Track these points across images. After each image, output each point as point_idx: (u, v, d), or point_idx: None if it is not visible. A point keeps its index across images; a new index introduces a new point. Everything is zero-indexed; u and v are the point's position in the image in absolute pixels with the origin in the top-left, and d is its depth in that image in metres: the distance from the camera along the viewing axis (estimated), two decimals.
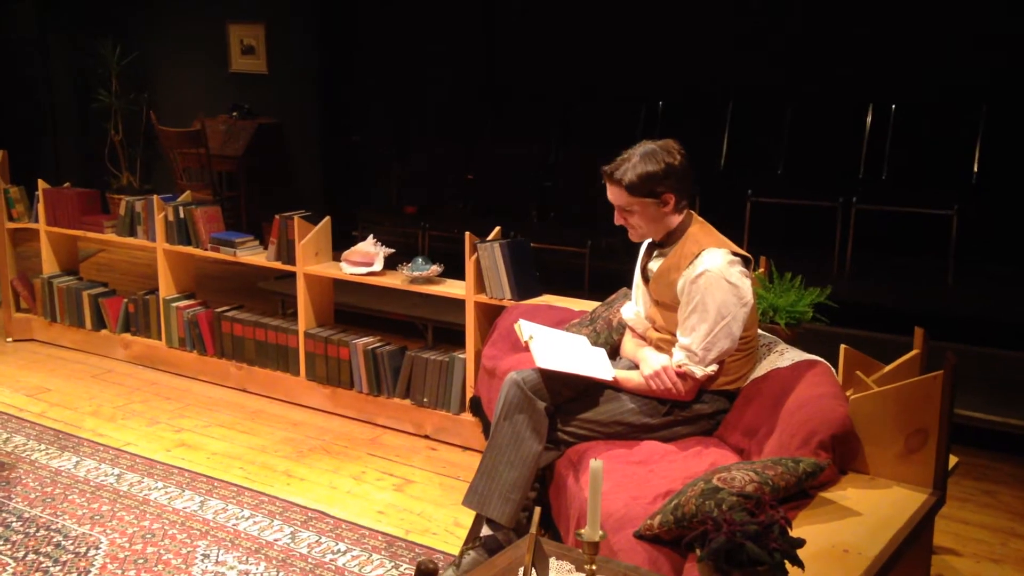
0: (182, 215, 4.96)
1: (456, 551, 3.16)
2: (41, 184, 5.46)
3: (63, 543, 3.30)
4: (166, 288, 5.09)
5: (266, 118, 8.17)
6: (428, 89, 7.78)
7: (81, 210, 5.38)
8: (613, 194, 2.96)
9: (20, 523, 3.45)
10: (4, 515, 3.50)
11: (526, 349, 3.14)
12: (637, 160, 2.90)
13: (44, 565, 3.16)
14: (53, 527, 3.41)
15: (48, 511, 3.53)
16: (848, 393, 2.70)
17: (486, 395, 3.68)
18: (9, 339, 5.56)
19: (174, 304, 5.04)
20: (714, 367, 2.89)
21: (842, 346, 2.95)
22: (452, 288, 4.26)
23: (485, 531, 3.00)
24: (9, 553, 3.24)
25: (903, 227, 5.97)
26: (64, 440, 4.20)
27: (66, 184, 5.68)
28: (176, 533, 3.39)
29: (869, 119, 6.34)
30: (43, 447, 4.13)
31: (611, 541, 2.39)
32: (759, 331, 3.09)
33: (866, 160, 6.31)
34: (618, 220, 3.01)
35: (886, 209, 5.89)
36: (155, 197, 5.07)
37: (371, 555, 3.26)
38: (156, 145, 8.50)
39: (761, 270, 3.54)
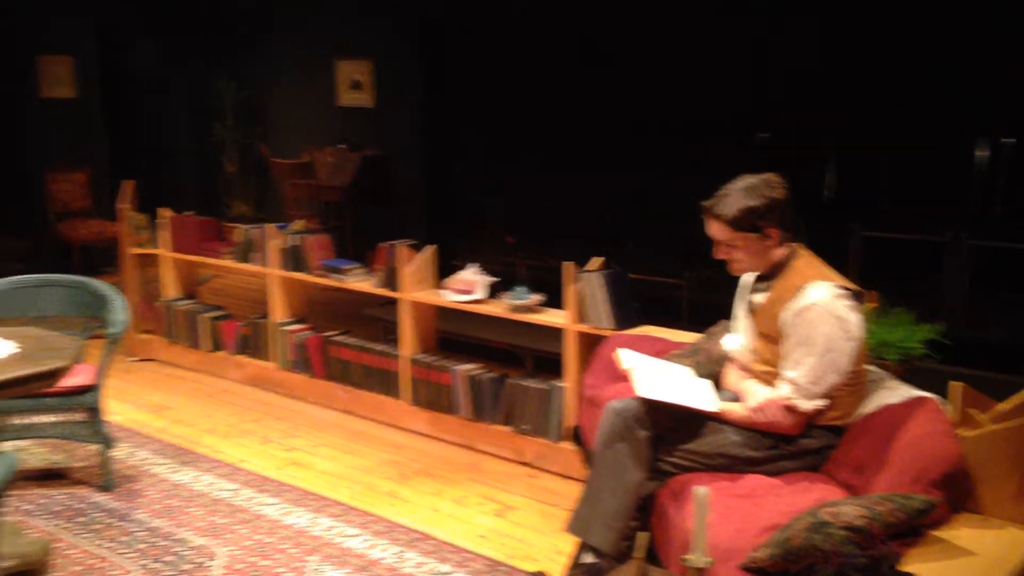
0: (294, 243, 5.16)
1: (553, 575, 3.20)
2: (165, 212, 5.76)
3: (183, 553, 3.47)
4: (278, 312, 5.30)
5: (372, 150, 8.43)
6: (529, 119, 7.91)
7: (201, 237, 5.66)
8: (714, 229, 2.97)
9: (143, 533, 3.64)
10: (129, 525, 3.70)
11: (627, 378, 3.17)
12: (738, 195, 2.91)
13: (165, 573, 3.33)
14: (174, 537, 3.59)
15: (169, 522, 3.72)
16: (960, 431, 2.65)
17: (587, 424, 3.71)
18: (133, 358, 5.86)
19: (285, 328, 5.24)
20: (821, 402, 2.87)
21: (955, 383, 2.90)
22: (552, 317, 4.32)
23: (587, 558, 3.03)
24: (134, 560, 3.42)
25: (1018, 263, 5.78)
26: (184, 455, 4.41)
27: (188, 213, 5.98)
28: (288, 548, 3.52)
29: (983, 152, 6.17)
30: (164, 461, 4.34)
31: (716, 572, 2.39)
32: (869, 367, 3.05)
33: (978, 194, 6.14)
34: (719, 255, 3.02)
35: (1000, 245, 5.72)
36: (269, 225, 5.30)
37: None
38: (268, 176, 8.87)
39: (872, 304, 3.50)
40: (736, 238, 2.92)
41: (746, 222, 2.89)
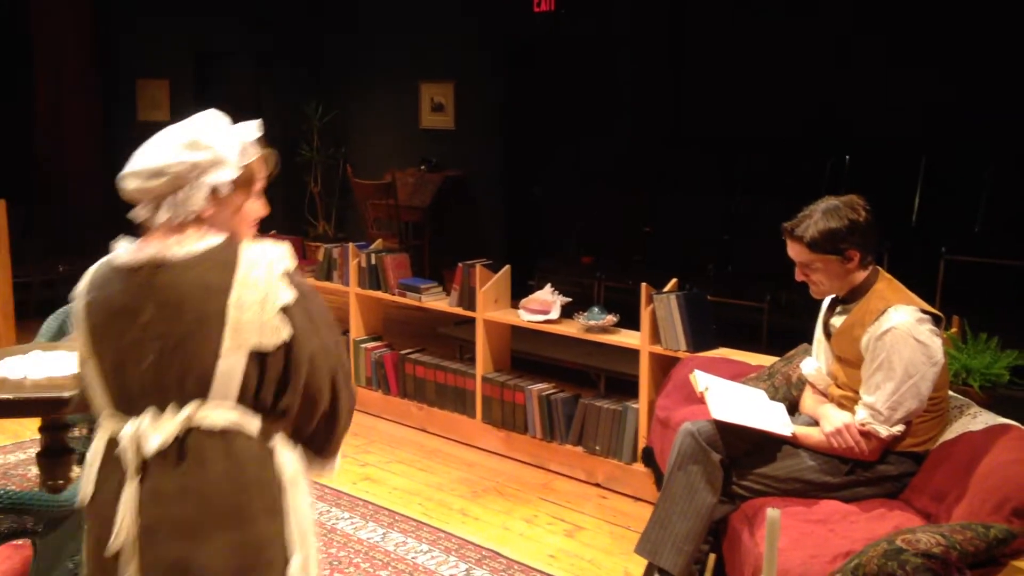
0: (374, 262, 5.26)
1: None
2: None
3: None
4: (356, 329, 5.40)
5: (452, 171, 8.55)
6: (608, 140, 7.92)
7: None
8: (794, 251, 2.94)
9: None
10: None
11: (701, 400, 3.14)
12: (819, 216, 2.87)
13: None
14: None
15: None
16: None
17: (659, 446, 3.68)
18: None
19: (363, 345, 5.33)
20: (900, 427, 2.80)
21: None
22: (627, 338, 4.31)
23: None
24: None
25: None
26: None
27: (271, 232, 6.15)
28: (360, 562, 3.57)
29: None
30: None
31: None
32: (951, 393, 2.96)
33: None
34: (799, 277, 2.98)
35: None
36: (350, 245, 5.41)
37: None
38: (350, 196, 9.05)
39: (954, 329, 3.40)
40: (816, 260, 2.88)
41: (827, 244, 2.85)
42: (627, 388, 4.61)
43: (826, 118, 6.83)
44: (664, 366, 4.15)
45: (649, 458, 3.91)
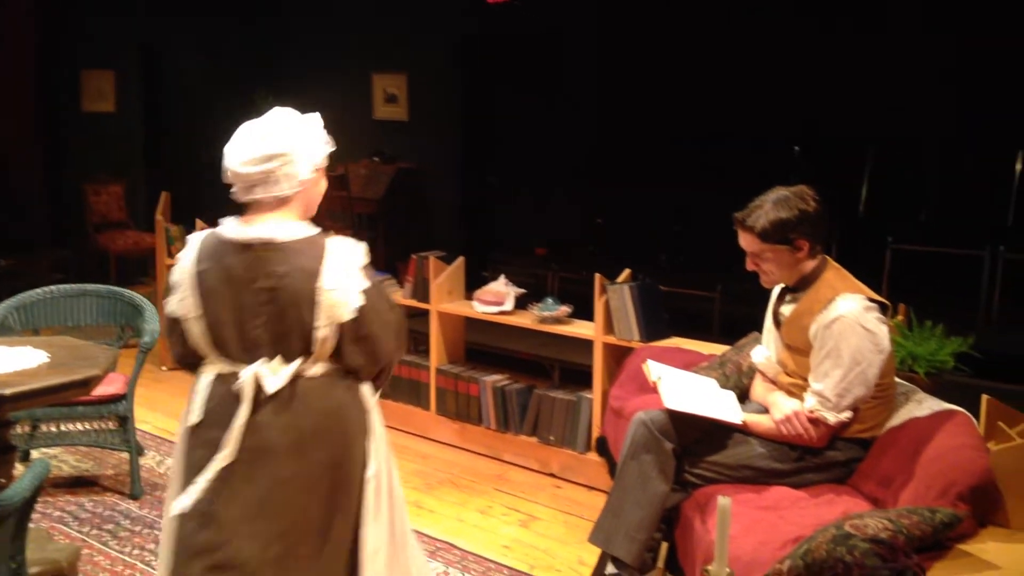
0: None
1: None
2: (199, 224, 5.83)
3: None
4: None
5: (405, 162, 8.49)
6: (562, 132, 7.93)
7: None
8: (745, 241, 2.96)
9: None
10: (157, 532, 3.73)
11: (654, 390, 3.16)
12: (770, 207, 2.89)
13: None
14: None
15: None
16: (990, 445, 2.60)
17: (613, 435, 3.70)
18: (164, 368, 5.93)
19: None
20: (848, 414, 2.84)
21: (984, 397, 2.85)
22: (581, 328, 4.32)
23: (610, 569, 3.02)
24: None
25: None
26: None
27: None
28: None
29: (1019, 165, 6.08)
30: None
31: None
32: (897, 379, 3.01)
33: (1015, 207, 6.04)
34: (750, 266, 3.01)
35: None
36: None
37: None
38: None
39: (900, 317, 3.45)
40: (766, 250, 2.90)
41: (777, 234, 2.87)
42: (581, 378, 4.62)
43: (776, 111, 6.90)
44: (618, 356, 4.17)
45: (603, 448, 3.92)
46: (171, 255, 5.95)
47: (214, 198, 9.87)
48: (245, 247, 2.32)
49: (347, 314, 2.30)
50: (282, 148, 2.35)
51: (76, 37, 8.33)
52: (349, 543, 2.37)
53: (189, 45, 9.21)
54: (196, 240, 2.41)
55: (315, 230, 2.37)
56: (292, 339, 2.31)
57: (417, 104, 8.56)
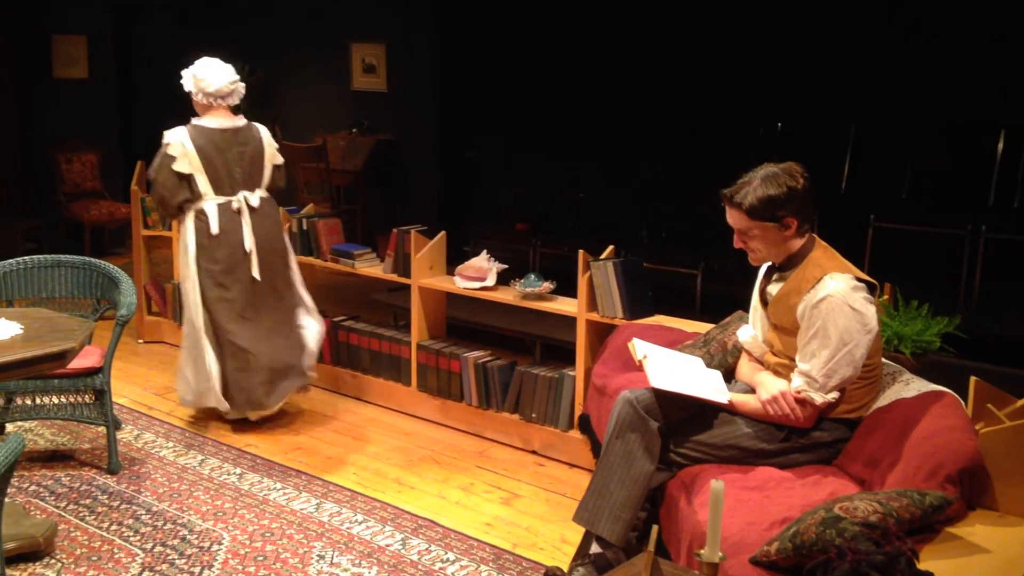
0: (305, 227, 5.13)
1: (563, 567, 3.16)
2: None
3: (188, 537, 3.45)
4: None
5: (384, 134, 8.39)
6: (542, 107, 7.86)
7: None
8: (733, 218, 2.93)
9: (149, 516, 3.62)
10: (135, 508, 3.69)
11: (639, 368, 3.14)
12: (758, 183, 2.86)
13: (170, 557, 3.32)
14: (179, 521, 3.58)
15: (175, 506, 3.70)
16: (978, 427, 2.60)
17: (595, 413, 3.68)
18: (141, 341, 5.85)
19: None
20: (835, 394, 2.83)
21: (972, 378, 2.85)
22: (564, 305, 4.28)
23: (594, 548, 3.00)
24: (139, 544, 3.40)
25: None
26: (190, 439, 4.40)
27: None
28: (293, 533, 3.50)
29: (1001, 145, 6.09)
30: (171, 444, 4.33)
31: (726, 566, 2.35)
32: (883, 360, 3.01)
33: (997, 187, 6.06)
34: (737, 244, 2.98)
35: (1018, 238, 5.64)
36: (281, 209, 5.26)
37: (479, 566, 3.31)
38: None
39: (885, 297, 3.45)
40: (754, 227, 2.88)
41: (765, 211, 2.84)
42: (563, 355, 4.59)
43: (759, 86, 6.87)
44: (601, 333, 4.14)
45: (585, 425, 3.91)
46: (147, 226, 5.84)
47: None
48: (224, 131, 4.32)
49: (278, 160, 4.49)
50: (235, 75, 4.38)
51: (46, 1, 8.14)
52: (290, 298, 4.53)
53: (163, 11, 9.03)
54: (180, 132, 4.28)
55: (245, 120, 4.42)
56: (254, 178, 4.40)
57: (396, 75, 8.45)
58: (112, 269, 4.15)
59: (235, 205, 4.30)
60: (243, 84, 4.43)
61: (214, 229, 4.23)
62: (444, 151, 8.29)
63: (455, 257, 4.84)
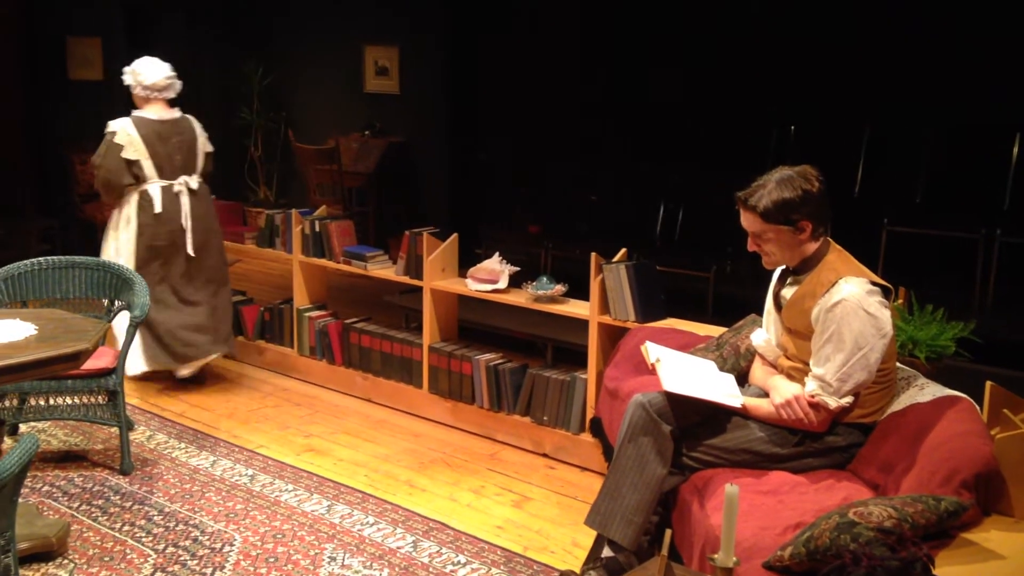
0: (318, 229, 5.14)
1: (575, 570, 3.15)
2: None
3: (200, 538, 3.46)
4: (300, 298, 5.28)
5: (396, 136, 8.39)
6: (555, 109, 7.85)
7: (224, 221, 5.64)
8: (747, 221, 2.91)
9: (161, 517, 3.63)
10: (147, 508, 3.70)
11: (652, 371, 3.13)
12: (773, 186, 2.85)
13: (182, 558, 3.32)
14: (191, 522, 3.58)
15: (186, 507, 3.71)
16: (993, 432, 2.58)
17: (607, 416, 3.67)
18: None
19: (307, 314, 5.22)
20: (849, 399, 2.81)
21: (988, 382, 2.82)
22: (576, 308, 4.28)
23: (606, 552, 2.99)
24: (151, 545, 3.41)
25: None
26: (202, 440, 4.41)
27: (212, 197, 5.97)
28: (305, 535, 3.51)
29: (1016, 148, 6.05)
30: (183, 445, 4.34)
31: (740, 570, 2.34)
32: (897, 364, 2.99)
33: (1012, 190, 6.02)
34: (751, 247, 2.97)
35: None
36: (293, 211, 5.28)
37: (490, 569, 3.30)
38: (292, 161, 8.85)
39: (900, 301, 3.43)
40: (768, 230, 2.87)
41: (779, 215, 2.83)
42: (575, 358, 4.59)
43: (772, 89, 6.84)
44: (613, 336, 4.13)
45: (597, 428, 3.90)
46: None
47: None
48: (163, 122, 4.79)
49: (208, 148, 4.97)
50: (171, 72, 4.83)
51: (61, 3, 8.19)
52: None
53: (177, 14, 9.06)
54: (125, 122, 4.73)
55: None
56: (191, 164, 4.88)
57: (409, 77, 8.45)
58: (126, 271, 4.17)
59: (176, 188, 4.80)
60: (179, 81, 4.88)
61: (157, 208, 4.74)
62: (456, 153, 8.29)
63: (467, 259, 4.84)
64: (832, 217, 2.93)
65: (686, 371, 3.05)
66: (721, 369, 3.24)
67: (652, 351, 3.11)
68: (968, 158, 6.18)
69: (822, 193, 2.86)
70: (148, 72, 4.76)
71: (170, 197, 4.78)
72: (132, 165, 4.70)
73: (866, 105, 6.54)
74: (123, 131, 4.68)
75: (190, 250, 4.83)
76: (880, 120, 6.53)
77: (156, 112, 4.77)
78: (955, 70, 6.17)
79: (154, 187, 4.75)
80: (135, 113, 4.77)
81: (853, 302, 2.76)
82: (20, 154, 7.84)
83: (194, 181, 4.86)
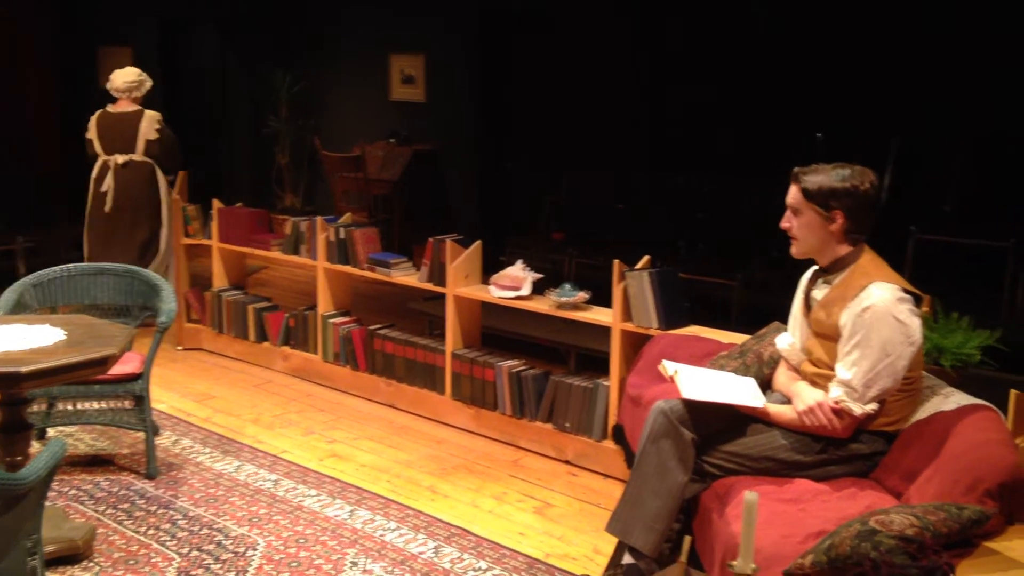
0: (342, 236, 5.18)
1: None
2: (216, 203, 5.82)
3: (223, 542, 3.49)
4: (324, 305, 5.32)
5: (422, 145, 8.44)
6: (580, 117, 7.85)
7: (251, 228, 5.70)
8: (791, 193, 2.96)
9: (185, 520, 3.67)
10: (171, 512, 3.73)
11: (671, 382, 3.12)
12: (828, 172, 2.90)
13: (206, 562, 3.35)
14: (215, 526, 3.61)
15: (211, 511, 3.74)
16: (1018, 441, 2.55)
17: (629, 423, 3.67)
18: (180, 347, 5.93)
19: (331, 320, 5.26)
20: (874, 406, 2.79)
21: (1013, 391, 2.79)
22: (598, 315, 4.27)
23: (627, 559, 2.98)
24: (175, 548, 3.45)
25: None
26: (227, 445, 4.45)
27: (238, 204, 6.04)
28: (327, 540, 3.53)
29: None
30: (208, 450, 4.38)
31: None
32: (923, 372, 2.96)
33: None
34: (784, 223, 2.99)
35: None
36: (319, 218, 5.32)
37: (512, 575, 3.30)
38: (319, 169, 8.92)
39: (926, 309, 3.39)
40: (804, 208, 2.90)
41: (818, 196, 2.87)
42: (598, 365, 4.58)
43: (799, 97, 6.81)
44: (636, 343, 4.13)
45: (619, 436, 3.89)
46: (188, 234, 5.94)
47: (232, 177, 9.92)
48: (118, 114, 6.13)
49: (151, 136, 6.11)
50: (138, 77, 6.18)
51: (93, 14, 8.31)
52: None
53: (208, 24, 9.18)
54: (95, 114, 6.18)
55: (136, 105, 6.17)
56: (128, 145, 6.12)
57: (434, 85, 8.50)
58: (153, 277, 4.22)
59: (109, 164, 6.17)
60: (149, 83, 6.26)
61: (94, 174, 6.22)
62: (481, 161, 8.32)
63: (490, 266, 4.85)
64: (873, 226, 2.93)
65: (705, 380, 3.04)
66: (742, 375, 3.22)
67: (669, 366, 3.11)
68: (998, 167, 6.11)
69: (868, 196, 2.86)
70: (113, 79, 6.22)
71: (103, 168, 6.19)
72: (89, 144, 6.23)
73: (896, 114, 6.48)
74: (92, 120, 6.24)
75: (107, 208, 6.13)
76: (910, 129, 6.47)
77: (120, 108, 6.20)
78: (985, 78, 6.11)
79: (99, 161, 6.21)
80: (107, 108, 6.21)
81: (883, 308, 2.74)
82: (51, 162, 7.96)
83: (124, 158, 6.13)
